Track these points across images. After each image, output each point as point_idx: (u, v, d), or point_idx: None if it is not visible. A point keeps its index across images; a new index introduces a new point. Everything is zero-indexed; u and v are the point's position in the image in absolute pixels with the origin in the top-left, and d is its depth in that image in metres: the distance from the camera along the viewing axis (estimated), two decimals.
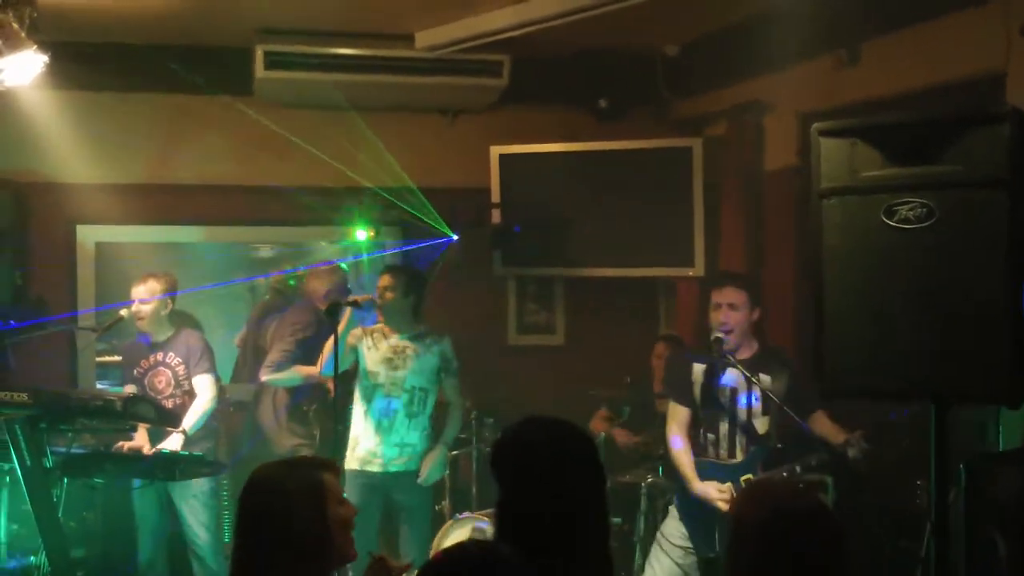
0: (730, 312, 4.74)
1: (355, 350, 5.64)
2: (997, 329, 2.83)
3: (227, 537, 6.16)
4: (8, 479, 5.47)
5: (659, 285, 7.74)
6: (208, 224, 7.25)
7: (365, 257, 7.23)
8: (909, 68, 5.33)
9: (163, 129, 6.90)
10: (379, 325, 5.69)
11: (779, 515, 2.39)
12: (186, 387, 5.87)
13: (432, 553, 4.32)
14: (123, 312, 5.92)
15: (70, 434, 5.29)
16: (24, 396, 4.87)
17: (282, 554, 2.57)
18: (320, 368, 5.65)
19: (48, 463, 4.91)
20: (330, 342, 5.44)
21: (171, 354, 5.89)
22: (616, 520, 6.17)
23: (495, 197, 7.15)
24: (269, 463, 2.88)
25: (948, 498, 3.06)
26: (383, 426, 5.56)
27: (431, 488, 5.71)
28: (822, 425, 4.69)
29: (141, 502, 5.85)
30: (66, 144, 6.51)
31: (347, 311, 5.47)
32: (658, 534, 4.96)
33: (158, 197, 6.92)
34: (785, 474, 4.59)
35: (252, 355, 7.08)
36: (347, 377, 5.66)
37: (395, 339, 5.64)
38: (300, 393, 6.30)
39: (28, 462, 4.82)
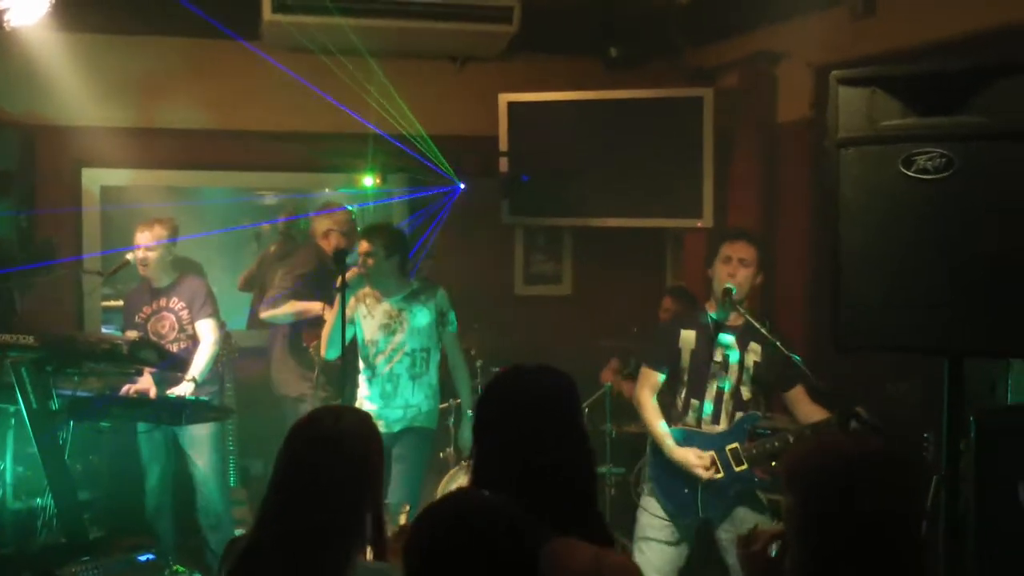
0: (740, 267, 4.61)
1: (352, 321, 5.45)
2: (1013, 282, 2.80)
3: (233, 481, 6.18)
4: (14, 421, 5.47)
5: (667, 236, 7.71)
6: (214, 169, 7.20)
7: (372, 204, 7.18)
8: (926, 19, 5.27)
9: (169, 73, 6.84)
10: (369, 290, 5.53)
11: (849, 462, 2.18)
12: (189, 332, 5.86)
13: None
14: (129, 256, 5.90)
15: (76, 377, 5.29)
16: (30, 339, 4.86)
17: (342, 488, 2.57)
18: (323, 352, 5.49)
19: (54, 406, 4.91)
20: (328, 326, 5.37)
21: (174, 299, 5.88)
22: (620, 470, 6.20)
23: (503, 146, 7.10)
24: (329, 408, 2.91)
25: (960, 451, 3.04)
26: (387, 391, 5.47)
27: (428, 439, 5.62)
28: (801, 401, 4.63)
29: (147, 446, 5.87)
30: (72, 87, 6.47)
31: (351, 268, 5.29)
32: (638, 519, 4.79)
33: (164, 141, 6.87)
34: (777, 443, 4.50)
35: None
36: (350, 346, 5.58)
37: (387, 303, 5.49)
38: (299, 328, 6.26)
39: (34, 405, 4.82)
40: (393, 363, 5.45)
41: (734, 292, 4.60)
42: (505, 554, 2.00)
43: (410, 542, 2.07)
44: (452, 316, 5.58)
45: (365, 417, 2.83)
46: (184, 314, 5.86)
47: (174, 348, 5.76)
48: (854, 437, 2.40)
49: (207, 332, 5.83)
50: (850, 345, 3.05)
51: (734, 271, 4.62)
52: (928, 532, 4.29)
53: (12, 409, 5.17)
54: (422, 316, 5.48)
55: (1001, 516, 3.11)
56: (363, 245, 5.41)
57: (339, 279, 5.07)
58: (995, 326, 2.85)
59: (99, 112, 6.64)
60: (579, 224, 7.35)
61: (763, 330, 4.55)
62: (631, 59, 7.21)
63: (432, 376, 5.56)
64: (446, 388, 5.77)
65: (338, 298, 5.09)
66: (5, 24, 5.28)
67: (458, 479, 5.87)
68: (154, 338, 5.78)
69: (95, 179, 6.95)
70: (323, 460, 2.59)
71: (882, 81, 3.02)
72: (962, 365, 3.01)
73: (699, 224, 6.81)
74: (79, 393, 5.26)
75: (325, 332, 5.43)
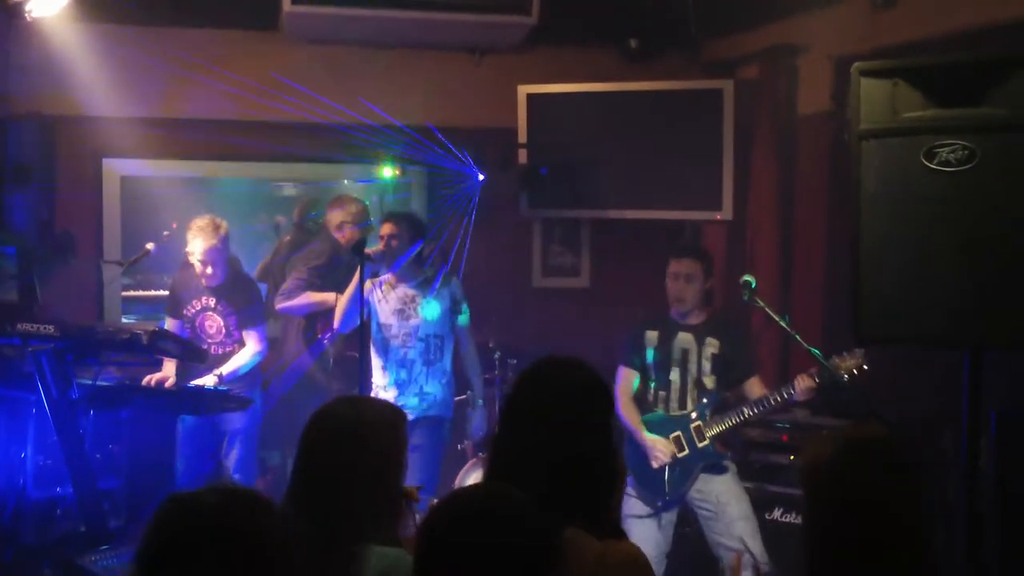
0: (685, 284, 5.08)
1: (367, 303, 5.44)
2: None
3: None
4: (34, 411, 5.49)
5: (686, 229, 7.68)
6: (233, 160, 7.22)
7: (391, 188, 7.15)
8: (947, 10, 5.22)
9: (189, 63, 6.83)
10: (387, 275, 5.54)
11: (852, 447, 2.25)
12: (236, 337, 5.84)
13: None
14: (149, 246, 5.91)
15: (96, 367, 5.30)
16: (51, 328, 4.89)
17: (361, 477, 2.56)
18: (337, 324, 5.56)
19: (74, 395, 4.94)
20: (344, 298, 5.42)
21: (224, 303, 5.83)
22: None
23: (522, 138, 7.07)
24: (347, 397, 2.95)
25: (980, 445, 3.03)
26: (402, 378, 5.48)
27: (443, 427, 5.61)
28: (755, 390, 5.04)
29: (183, 435, 5.86)
30: (92, 77, 6.47)
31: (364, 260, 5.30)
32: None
33: (183, 132, 6.87)
34: (737, 419, 4.93)
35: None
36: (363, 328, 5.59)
37: (403, 288, 5.51)
38: (313, 320, 6.24)
39: (54, 394, 4.85)
40: (407, 348, 5.46)
41: (751, 284, 4.98)
42: (519, 549, 2.00)
43: (424, 532, 2.07)
44: (465, 307, 5.60)
45: (386, 406, 2.82)
46: (232, 320, 5.83)
47: (220, 351, 5.78)
48: (854, 426, 2.43)
49: (253, 342, 5.84)
50: (870, 336, 3.05)
51: (681, 288, 5.10)
52: (947, 527, 4.29)
53: (33, 398, 5.19)
54: (436, 303, 5.50)
55: (1021, 509, 3.10)
56: (387, 227, 5.45)
57: (359, 264, 5.10)
58: (1016, 319, 2.84)
59: (119, 102, 6.64)
60: (598, 216, 7.33)
61: (783, 323, 4.86)
62: (651, 51, 7.19)
63: (446, 363, 5.57)
64: (462, 379, 5.77)
65: (357, 272, 5.14)
66: (26, 15, 5.31)
67: (475, 472, 5.87)
68: (201, 335, 5.80)
69: (116, 169, 6.97)
70: (340, 450, 2.59)
71: (904, 73, 3.02)
72: (982, 358, 2.99)
73: (718, 216, 6.80)
74: (100, 382, 5.28)
75: (341, 303, 5.46)
